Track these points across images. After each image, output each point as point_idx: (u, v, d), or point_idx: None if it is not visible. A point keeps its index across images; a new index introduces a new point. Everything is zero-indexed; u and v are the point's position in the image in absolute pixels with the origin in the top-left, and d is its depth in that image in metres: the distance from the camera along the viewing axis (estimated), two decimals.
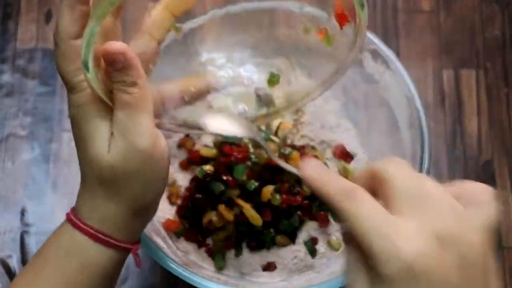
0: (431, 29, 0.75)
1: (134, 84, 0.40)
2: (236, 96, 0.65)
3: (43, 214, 0.67)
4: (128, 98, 0.40)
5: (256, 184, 0.57)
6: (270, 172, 0.58)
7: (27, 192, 0.67)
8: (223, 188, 0.57)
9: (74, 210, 0.44)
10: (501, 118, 0.72)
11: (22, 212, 0.67)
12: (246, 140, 0.60)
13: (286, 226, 0.59)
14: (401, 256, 0.30)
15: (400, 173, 0.33)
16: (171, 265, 0.51)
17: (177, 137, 0.64)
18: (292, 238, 0.60)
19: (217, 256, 0.59)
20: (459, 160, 0.70)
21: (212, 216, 0.58)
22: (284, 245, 0.60)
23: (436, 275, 0.30)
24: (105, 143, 0.41)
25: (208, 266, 0.59)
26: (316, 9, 0.56)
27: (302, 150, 0.60)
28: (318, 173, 0.35)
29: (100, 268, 0.43)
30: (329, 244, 0.60)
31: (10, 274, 0.64)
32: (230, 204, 0.58)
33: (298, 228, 0.60)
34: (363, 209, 0.32)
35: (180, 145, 0.64)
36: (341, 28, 0.45)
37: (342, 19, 0.45)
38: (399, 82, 0.57)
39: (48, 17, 0.74)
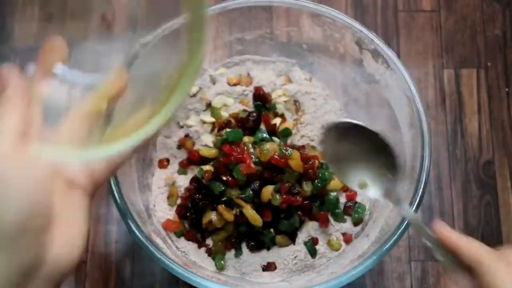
0: (431, 28, 0.75)
1: None
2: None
3: None
4: None
5: (256, 184, 0.57)
6: (270, 172, 0.58)
7: None
8: (223, 188, 0.57)
9: None
10: (502, 118, 0.71)
11: None
12: (246, 140, 0.60)
13: (286, 226, 0.59)
14: None
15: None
16: (171, 265, 0.51)
17: (177, 137, 0.64)
18: (292, 238, 0.60)
19: (218, 256, 0.59)
20: (460, 160, 0.70)
21: (212, 216, 0.58)
22: (284, 245, 0.60)
23: None
24: None
25: (208, 266, 0.59)
26: None
27: (302, 150, 0.60)
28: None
29: None
30: (329, 244, 0.60)
31: None
32: (230, 204, 0.57)
33: (298, 228, 0.60)
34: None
35: (180, 145, 0.64)
36: None
37: None
38: (399, 81, 0.57)
39: (47, 16, 0.73)
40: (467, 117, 0.71)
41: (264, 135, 0.62)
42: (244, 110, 0.64)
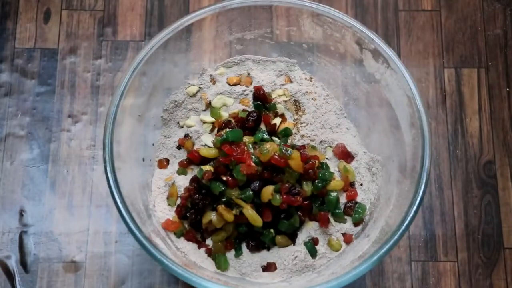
0: (432, 28, 0.74)
1: None
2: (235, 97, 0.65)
3: (42, 215, 0.66)
4: None
5: (256, 184, 0.57)
6: (270, 172, 0.57)
7: (25, 192, 0.67)
8: (223, 188, 0.57)
9: None
10: (503, 118, 0.71)
11: (21, 213, 0.66)
12: (246, 140, 0.60)
13: (286, 227, 0.58)
14: None
15: None
16: (171, 266, 0.51)
17: (176, 137, 0.64)
18: (292, 238, 0.60)
19: (219, 256, 0.59)
20: (460, 160, 0.70)
21: (212, 216, 0.58)
22: (284, 246, 0.60)
23: None
24: None
25: (208, 266, 0.59)
26: None
27: (302, 150, 0.60)
28: None
29: None
30: (330, 244, 0.60)
31: (9, 274, 0.64)
32: (230, 205, 0.57)
33: (298, 228, 0.60)
34: None
35: (180, 145, 0.64)
36: None
37: None
38: (400, 81, 0.56)
39: (47, 16, 0.73)
40: (467, 117, 0.71)
41: (264, 135, 0.62)
42: (244, 110, 0.64)
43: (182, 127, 0.64)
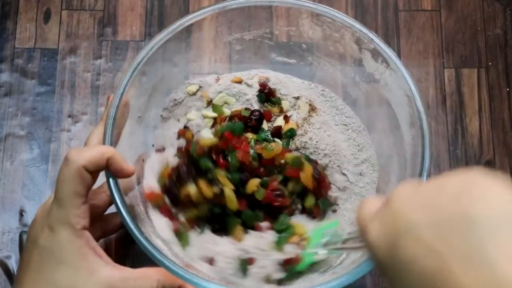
0: (432, 28, 0.74)
1: None
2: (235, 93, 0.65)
3: None
4: None
5: (247, 175, 0.57)
6: (267, 170, 0.57)
7: (25, 192, 0.67)
8: (210, 165, 0.57)
9: None
10: (503, 118, 0.71)
11: (21, 213, 0.66)
12: (250, 136, 0.60)
13: (248, 217, 0.58)
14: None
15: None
16: (172, 267, 0.51)
17: (176, 128, 0.63)
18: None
19: (182, 234, 0.58)
20: (460, 160, 0.70)
21: (191, 189, 0.57)
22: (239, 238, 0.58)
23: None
24: None
25: (173, 245, 0.58)
26: None
27: (315, 164, 0.60)
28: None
29: None
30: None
31: (9, 274, 0.64)
32: (212, 182, 0.57)
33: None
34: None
35: (179, 135, 0.63)
36: None
37: None
38: (399, 81, 0.56)
39: (47, 16, 0.73)
40: (467, 117, 0.71)
41: (268, 135, 0.62)
42: (247, 109, 0.64)
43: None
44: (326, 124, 0.65)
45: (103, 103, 0.70)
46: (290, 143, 0.63)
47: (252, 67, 0.67)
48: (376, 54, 0.58)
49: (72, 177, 0.50)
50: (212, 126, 0.64)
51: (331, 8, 0.59)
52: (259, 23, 0.63)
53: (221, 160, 0.57)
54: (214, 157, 0.57)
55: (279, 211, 0.58)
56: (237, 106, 0.64)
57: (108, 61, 0.72)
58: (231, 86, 0.65)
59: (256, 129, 0.62)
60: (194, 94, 0.65)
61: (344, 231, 0.59)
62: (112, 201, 0.56)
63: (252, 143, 0.58)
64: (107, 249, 0.55)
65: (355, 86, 0.63)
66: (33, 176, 0.68)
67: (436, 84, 0.72)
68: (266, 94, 0.64)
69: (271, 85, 0.65)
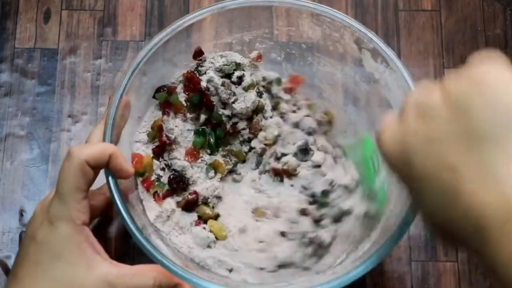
0: (432, 28, 0.74)
1: None
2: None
3: None
4: None
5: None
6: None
7: (25, 192, 0.67)
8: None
9: None
10: None
11: (21, 213, 0.67)
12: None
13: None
14: None
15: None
16: (172, 267, 0.51)
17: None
18: None
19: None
20: None
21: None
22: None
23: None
24: None
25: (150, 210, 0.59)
26: None
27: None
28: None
29: None
30: None
31: (9, 274, 0.64)
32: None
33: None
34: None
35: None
36: None
37: None
38: (399, 81, 0.56)
39: (47, 16, 0.73)
40: None
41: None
42: None
43: None
44: None
45: (103, 103, 0.70)
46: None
47: None
48: (375, 54, 0.58)
49: (74, 172, 0.50)
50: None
51: (331, 8, 0.59)
52: (259, 23, 0.63)
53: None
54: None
55: None
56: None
57: (108, 61, 0.72)
58: None
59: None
60: None
61: None
62: (109, 203, 0.56)
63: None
64: (107, 248, 0.55)
65: (355, 86, 0.63)
66: (33, 176, 0.68)
67: None
68: None
69: None
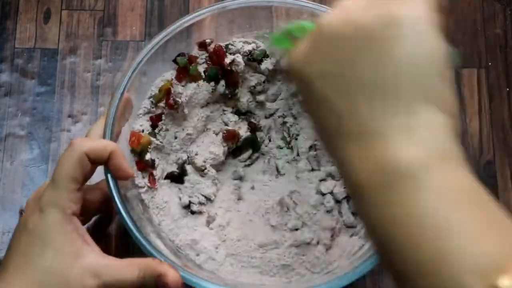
0: None
1: None
2: None
3: None
4: None
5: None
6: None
7: (25, 192, 0.67)
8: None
9: None
10: (503, 118, 0.71)
11: (21, 213, 0.67)
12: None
13: None
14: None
15: None
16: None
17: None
18: None
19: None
20: None
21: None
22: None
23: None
24: None
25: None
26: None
27: None
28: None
29: None
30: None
31: None
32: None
33: None
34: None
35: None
36: None
37: None
38: None
39: (47, 16, 0.73)
40: (467, 117, 0.71)
41: None
42: None
43: None
44: None
45: (103, 103, 0.70)
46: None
47: None
48: None
49: (73, 161, 0.50)
50: None
51: (331, 8, 0.59)
52: (259, 23, 0.63)
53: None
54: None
55: None
56: None
57: (108, 61, 0.72)
58: None
59: None
60: None
61: None
62: (105, 199, 0.56)
63: None
64: (106, 247, 0.55)
65: None
66: (33, 176, 0.68)
67: None
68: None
69: None
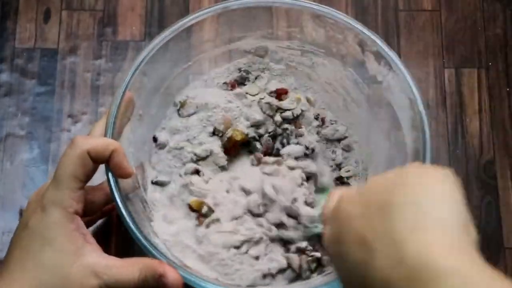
0: (432, 28, 0.74)
1: None
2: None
3: None
4: None
5: None
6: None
7: (25, 192, 0.67)
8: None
9: None
10: (503, 118, 0.71)
11: (21, 213, 0.66)
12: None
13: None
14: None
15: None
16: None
17: None
18: None
19: None
20: (460, 160, 0.70)
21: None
22: None
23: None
24: None
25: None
26: None
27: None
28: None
29: None
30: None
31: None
32: None
33: None
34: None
35: None
36: None
37: None
38: (402, 84, 0.56)
39: (46, 16, 0.73)
40: (468, 117, 0.71)
41: None
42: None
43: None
44: None
45: (103, 103, 0.70)
46: None
47: None
48: (379, 56, 0.58)
49: (74, 160, 0.50)
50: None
51: (332, 8, 0.59)
52: (260, 24, 0.63)
53: None
54: None
55: None
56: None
57: (108, 61, 0.72)
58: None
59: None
60: None
61: None
62: (108, 200, 0.56)
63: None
64: (107, 248, 0.55)
65: (357, 88, 0.63)
66: (33, 176, 0.68)
67: (436, 84, 0.72)
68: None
69: None
